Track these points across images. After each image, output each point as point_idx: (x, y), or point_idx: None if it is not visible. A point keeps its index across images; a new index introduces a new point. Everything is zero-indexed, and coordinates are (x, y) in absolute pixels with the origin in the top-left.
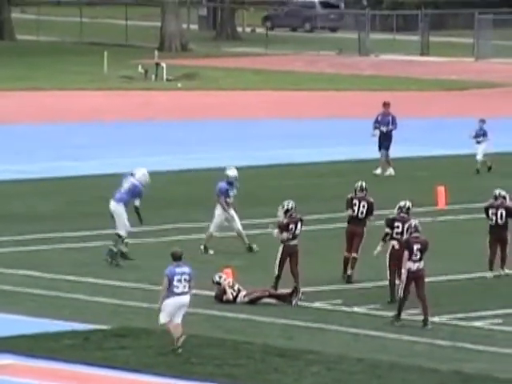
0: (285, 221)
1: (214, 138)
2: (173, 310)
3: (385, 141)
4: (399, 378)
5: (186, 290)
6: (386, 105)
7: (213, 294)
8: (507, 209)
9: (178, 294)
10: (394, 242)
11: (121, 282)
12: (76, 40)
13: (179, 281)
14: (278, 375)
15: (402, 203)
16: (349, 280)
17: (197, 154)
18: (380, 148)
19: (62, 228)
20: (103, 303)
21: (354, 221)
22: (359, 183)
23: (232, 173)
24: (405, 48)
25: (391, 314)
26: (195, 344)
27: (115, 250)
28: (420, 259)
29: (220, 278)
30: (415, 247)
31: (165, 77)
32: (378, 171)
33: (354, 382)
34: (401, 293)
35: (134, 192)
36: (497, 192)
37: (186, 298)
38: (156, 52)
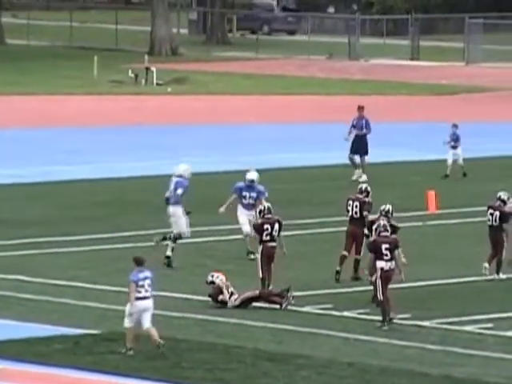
0: (259, 221)
1: (203, 142)
2: (135, 315)
3: (360, 146)
4: (389, 382)
5: (148, 294)
6: (360, 108)
7: (204, 298)
8: (502, 213)
9: (140, 299)
10: None
11: (109, 287)
12: (66, 44)
13: (142, 286)
14: (269, 379)
15: (382, 207)
16: (356, 279)
17: (186, 158)
18: (353, 152)
19: (51, 233)
20: (92, 308)
21: (352, 221)
22: (360, 185)
23: (248, 176)
24: (395, 52)
25: (381, 318)
26: (186, 348)
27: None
28: (391, 259)
29: (212, 276)
30: (383, 246)
31: (155, 81)
32: (364, 178)
33: None
34: (380, 296)
35: (181, 187)
36: (499, 194)
37: (149, 302)
38: (146, 56)
